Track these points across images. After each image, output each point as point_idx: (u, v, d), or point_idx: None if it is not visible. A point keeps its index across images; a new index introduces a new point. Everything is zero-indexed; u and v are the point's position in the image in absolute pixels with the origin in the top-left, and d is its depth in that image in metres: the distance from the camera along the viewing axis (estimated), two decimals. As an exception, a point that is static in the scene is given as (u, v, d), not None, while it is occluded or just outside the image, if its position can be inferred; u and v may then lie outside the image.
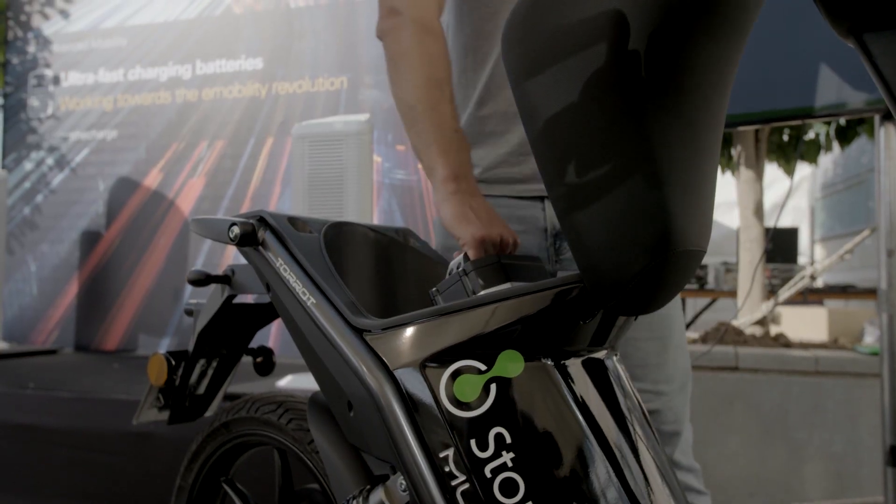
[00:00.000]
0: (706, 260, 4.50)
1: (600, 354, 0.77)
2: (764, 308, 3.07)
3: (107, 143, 4.01)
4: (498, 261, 0.80)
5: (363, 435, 0.78)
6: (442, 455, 0.70)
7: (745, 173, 3.30)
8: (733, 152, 3.49)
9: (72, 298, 3.99)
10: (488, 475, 0.68)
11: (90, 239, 3.99)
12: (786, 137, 3.61)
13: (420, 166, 3.39)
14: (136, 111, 3.98)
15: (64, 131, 4.11)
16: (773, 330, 3.18)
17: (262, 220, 0.91)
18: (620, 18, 0.59)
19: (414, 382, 0.72)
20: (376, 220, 3.26)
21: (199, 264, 3.76)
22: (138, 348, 3.84)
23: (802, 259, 6.02)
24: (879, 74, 0.48)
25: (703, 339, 2.80)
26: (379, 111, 3.47)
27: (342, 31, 3.64)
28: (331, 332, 0.80)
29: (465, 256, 0.84)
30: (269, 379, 2.44)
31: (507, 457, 0.68)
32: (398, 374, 0.74)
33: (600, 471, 0.68)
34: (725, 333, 2.77)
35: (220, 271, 1.03)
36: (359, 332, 0.78)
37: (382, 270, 1.01)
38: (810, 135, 3.58)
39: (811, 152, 3.58)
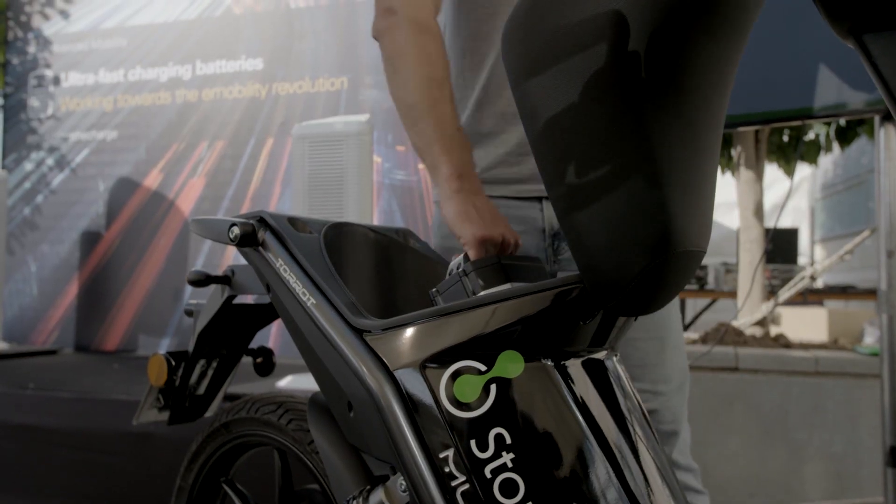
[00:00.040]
0: (706, 260, 4.50)
1: (600, 355, 0.77)
2: (764, 309, 3.07)
3: (107, 143, 4.01)
4: (498, 261, 0.80)
5: (363, 435, 0.78)
6: (442, 455, 0.70)
7: (745, 174, 3.30)
8: (733, 153, 3.49)
9: (72, 299, 3.99)
10: (488, 476, 0.68)
11: (90, 239, 3.99)
12: (786, 138, 3.61)
13: (421, 166, 3.41)
14: (136, 111, 3.98)
15: (64, 132, 4.11)
16: (773, 330, 3.18)
17: (262, 221, 0.91)
18: (620, 19, 0.59)
19: (414, 383, 0.72)
20: (376, 221, 3.26)
21: (199, 265, 3.76)
22: (138, 349, 3.84)
23: (802, 260, 6.02)
24: (879, 75, 0.48)
25: (703, 340, 2.80)
26: (379, 112, 3.47)
27: (342, 31, 3.65)
28: (331, 332, 0.80)
29: (466, 257, 0.84)
30: (269, 379, 2.44)
31: (507, 457, 0.68)
32: (398, 374, 0.74)
33: (600, 471, 0.68)
34: (725, 334, 2.77)
35: (220, 272, 1.03)
36: (359, 332, 0.78)
37: (382, 271, 1.01)
38: (810, 135, 3.58)
39: (811, 153, 3.58)
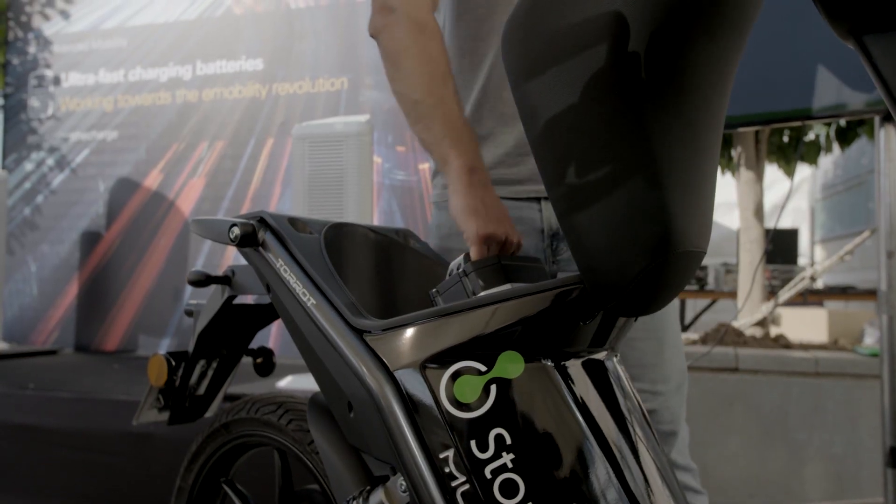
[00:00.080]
0: (706, 261, 4.50)
1: (600, 355, 0.77)
2: (764, 309, 3.07)
3: (107, 143, 4.02)
4: (498, 262, 0.80)
5: (363, 436, 0.78)
6: (442, 456, 0.70)
7: (746, 174, 3.30)
8: (733, 153, 3.49)
9: (72, 299, 3.99)
10: (488, 476, 0.68)
11: (90, 239, 3.99)
12: (786, 139, 3.61)
13: (421, 167, 3.41)
14: (136, 112, 3.98)
15: (64, 132, 4.11)
16: (773, 331, 3.18)
17: (262, 221, 0.91)
18: (620, 19, 0.59)
19: (414, 383, 0.72)
20: (376, 221, 3.26)
21: (199, 265, 3.76)
22: (138, 349, 3.84)
23: (802, 260, 6.02)
24: (879, 76, 0.48)
25: (703, 341, 2.80)
26: (379, 112, 3.47)
27: (343, 31, 3.65)
28: (331, 332, 0.80)
29: (466, 257, 0.84)
30: (269, 380, 2.44)
31: (507, 458, 0.68)
32: (398, 374, 0.74)
33: (600, 472, 0.68)
34: (725, 334, 2.77)
35: (220, 272, 1.03)
36: (359, 332, 0.78)
37: (382, 271, 1.01)
38: (810, 136, 3.58)
39: (811, 153, 3.58)
